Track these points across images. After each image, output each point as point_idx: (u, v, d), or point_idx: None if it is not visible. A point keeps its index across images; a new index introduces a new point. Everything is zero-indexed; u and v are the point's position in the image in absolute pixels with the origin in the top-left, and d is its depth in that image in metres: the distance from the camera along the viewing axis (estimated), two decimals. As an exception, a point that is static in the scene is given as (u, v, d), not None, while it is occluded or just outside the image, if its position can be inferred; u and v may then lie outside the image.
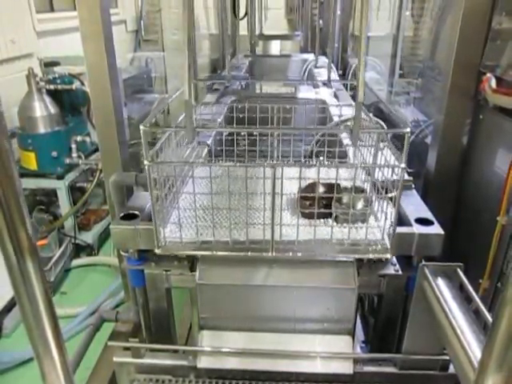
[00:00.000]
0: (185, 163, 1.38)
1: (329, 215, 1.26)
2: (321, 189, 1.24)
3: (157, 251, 1.18)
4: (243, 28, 4.88)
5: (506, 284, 0.45)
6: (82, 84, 3.27)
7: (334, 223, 1.23)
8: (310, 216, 1.25)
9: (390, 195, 1.12)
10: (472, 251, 1.69)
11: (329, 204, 1.23)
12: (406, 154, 1.05)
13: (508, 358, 0.45)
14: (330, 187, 1.25)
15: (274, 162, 1.60)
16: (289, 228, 1.22)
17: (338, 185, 1.20)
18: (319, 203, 1.17)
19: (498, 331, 0.45)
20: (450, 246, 1.39)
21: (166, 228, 1.22)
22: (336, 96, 2.77)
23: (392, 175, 1.15)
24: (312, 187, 1.27)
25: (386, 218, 1.17)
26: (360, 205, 1.24)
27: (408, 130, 1.03)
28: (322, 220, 1.27)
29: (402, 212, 1.41)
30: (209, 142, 2.00)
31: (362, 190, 1.26)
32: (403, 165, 1.05)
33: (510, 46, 1.53)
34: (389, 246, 1.15)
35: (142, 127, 1.06)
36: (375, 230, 1.22)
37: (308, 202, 1.25)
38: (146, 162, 1.05)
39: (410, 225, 1.31)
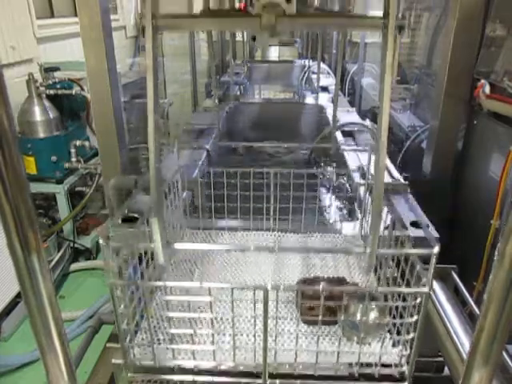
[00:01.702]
0: (154, 285, 1.03)
1: (334, 322, 1.04)
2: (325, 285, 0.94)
3: (124, 375, 0.98)
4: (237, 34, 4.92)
5: (491, 282, 0.47)
6: (82, 89, 3.30)
7: (340, 336, 0.99)
8: (311, 322, 1.05)
9: (410, 320, 0.89)
10: (468, 254, 1.71)
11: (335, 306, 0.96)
12: (431, 277, 0.83)
13: (493, 352, 0.47)
14: (336, 283, 1.03)
15: (275, 245, 1.35)
16: (286, 338, 1.03)
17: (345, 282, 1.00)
18: (323, 306, 0.89)
19: (484, 327, 0.47)
20: (446, 249, 1.41)
21: (135, 347, 0.99)
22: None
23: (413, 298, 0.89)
24: (314, 284, 1.04)
25: (404, 344, 0.95)
26: (372, 315, 0.99)
27: (436, 250, 0.82)
28: (326, 331, 1.05)
29: (397, 215, 1.43)
30: (207, 147, 2.02)
31: (375, 298, 1.00)
32: (426, 289, 0.84)
33: (503, 52, 1.56)
34: (406, 372, 0.95)
35: (102, 242, 0.81)
36: (388, 348, 1.00)
37: (308, 305, 1.02)
38: (109, 281, 0.85)
39: (405, 228, 1.33)
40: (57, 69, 3.56)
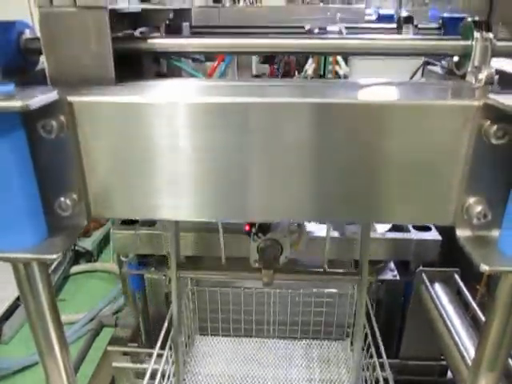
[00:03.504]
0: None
1: None
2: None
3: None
4: None
5: (497, 285, 0.46)
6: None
7: None
8: None
9: None
10: (470, 257, 1.70)
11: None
12: None
13: (499, 359, 0.46)
14: None
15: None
16: None
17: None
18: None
19: (490, 331, 0.46)
20: (448, 252, 1.40)
21: None
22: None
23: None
24: None
25: None
26: None
27: None
28: None
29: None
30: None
31: None
32: None
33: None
34: None
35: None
36: None
37: None
38: None
39: (407, 230, 1.32)
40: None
